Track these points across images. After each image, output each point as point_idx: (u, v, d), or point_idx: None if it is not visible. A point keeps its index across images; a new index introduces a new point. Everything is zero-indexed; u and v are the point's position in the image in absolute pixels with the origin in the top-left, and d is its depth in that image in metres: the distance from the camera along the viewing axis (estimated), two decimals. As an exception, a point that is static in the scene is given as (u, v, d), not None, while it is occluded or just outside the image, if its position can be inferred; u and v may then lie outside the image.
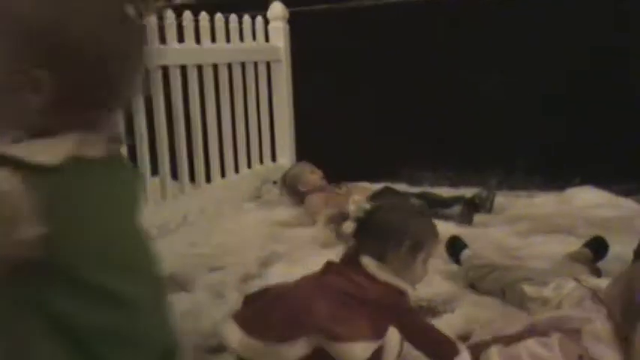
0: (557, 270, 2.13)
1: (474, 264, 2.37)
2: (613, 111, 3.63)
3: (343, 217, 1.61)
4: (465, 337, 1.83)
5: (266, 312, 1.52)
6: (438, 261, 2.59)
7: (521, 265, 2.37)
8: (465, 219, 3.14)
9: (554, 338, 1.62)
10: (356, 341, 1.45)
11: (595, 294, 1.77)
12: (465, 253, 2.46)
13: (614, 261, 2.38)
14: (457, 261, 2.48)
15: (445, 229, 2.93)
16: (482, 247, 2.64)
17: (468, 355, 1.58)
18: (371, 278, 1.57)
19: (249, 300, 1.63)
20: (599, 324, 1.64)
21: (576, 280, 1.89)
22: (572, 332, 1.64)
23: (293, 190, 3.59)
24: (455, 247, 2.52)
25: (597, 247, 2.43)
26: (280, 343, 1.45)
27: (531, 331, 1.68)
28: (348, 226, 1.61)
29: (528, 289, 1.97)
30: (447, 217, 3.12)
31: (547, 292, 1.89)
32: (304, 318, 1.47)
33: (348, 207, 1.76)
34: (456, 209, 3.18)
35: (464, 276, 2.38)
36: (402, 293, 1.59)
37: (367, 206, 1.63)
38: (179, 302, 2.26)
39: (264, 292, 1.62)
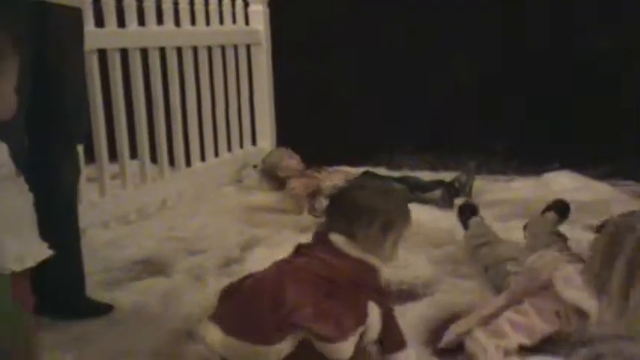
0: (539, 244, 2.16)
1: (474, 232, 2.39)
2: (589, 96, 3.66)
3: (316, 193, 1.58)
4: (445, 321, 1.86)
5: (247, 310, 1.47)
6: (420, 245, 2.62)
7: (511, 242, 2.38)
8: (446, 203, 3.16)
9: (527, 304, 1.70)
10: (345, 340, 1.43)
11: (573, 257, 1.82)
12: (474, 220, 2.48)
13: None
14: (465, 226, 2.50)
15: (425, 212, 2.98)
16: (462, 231, 2.66)
17: (414, 354, 1.63)
18: (341, 255, 1.54)
19: (226, 296, 1.55)
20: (570, 268, 1.74)
21: (558, 252, 1.93)
22: (543, 291, 1.72)
23: (272, 175, 3.59)
24: (465, 212, 2.54)
25: (561, 210, 2.53)
26: (268, 345, 1.41)
27: (509, 304, 1.74)
28: (321, 202, 1.59)
29: (511, 267, 2.00)
30: (427, 201, 3.14)
31: (529, 262, 1.92)
32: (291, 317, 1.42)
33: (323, 184, 1.71)
34: (437, 193, 3.20)
35: (465, 243, 2.41)
36: (373, 269, 1.56)
37: (341, 184, 1.60)
38: (158, 286, 2.26)
39: (240, 286, 1.55)
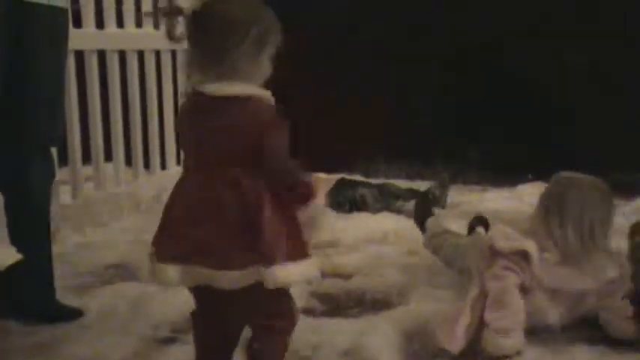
0: None
1: (434, 231, 2.41)
2: (565, 109, 3.71)
3: (175, 12, 1.37)
4: (420, 330, 1.86)
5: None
6: (395, 254, 2.62)
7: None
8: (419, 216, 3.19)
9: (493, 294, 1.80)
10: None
11: None
12: (430, 221, 2.49)
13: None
14: (423, 229, 2.53)
15: (400, 221, 3.00)
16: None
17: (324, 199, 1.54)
18: (220, 105, 1.34)
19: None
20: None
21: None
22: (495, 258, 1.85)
23: None
24: (423, 215, 2.57)
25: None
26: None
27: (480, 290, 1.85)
28: (181, 24, 1.36)
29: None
30: (400, 211, 3.16)
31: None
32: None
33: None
34: (410, 205, 3.22)
35: (425, 243, 2.43)
36: (261, 99, 1.37)
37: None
38: (129, 291, 2.23)
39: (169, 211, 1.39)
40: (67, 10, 1.98)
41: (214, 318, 1.44)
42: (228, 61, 1.33)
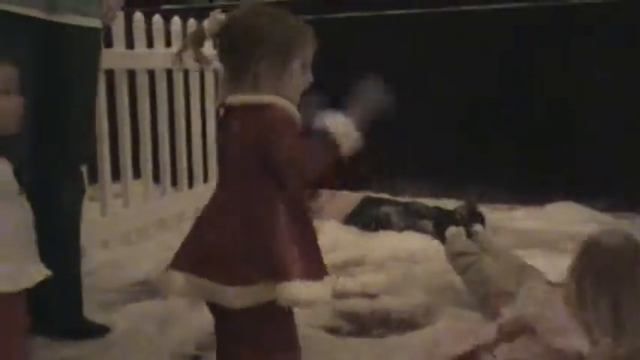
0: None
1: (455, 249, 2.34)
2: (594, 128, 3.66)
3: (202, 37, 1.37)
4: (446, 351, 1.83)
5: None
6: (420, 273, 2.60)
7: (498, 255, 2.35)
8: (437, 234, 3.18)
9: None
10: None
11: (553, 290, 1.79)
12: (450, 231, 2.45)
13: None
14: (442, 240, 2.47)
15: (425, 241, 2.98)
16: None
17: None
18: (238, 115, 1.32)
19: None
20: (552, 311, 1.66)
21: (548, 282, 1.91)
22: (531, 334, 1.65)
23: None
24: (440, 225, 2.52)
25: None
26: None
27: (500, 338, 1.69)
28: (208, 47, 1.38)
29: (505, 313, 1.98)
30: (425, 230, 3.14)
31: (519, 296, 1.90)
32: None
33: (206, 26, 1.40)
34: (430, 224, 3.22)
35: (450, 261, 2.36)
36: (276, 107, 1.31)
37: (221, 16, 1.35)
38: (155, 309, 2.24)
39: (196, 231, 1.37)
40: (100, 30, 2.01)
41: (219, 340, 1.39)
42: (252, 72, 1.32)
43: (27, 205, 1.43)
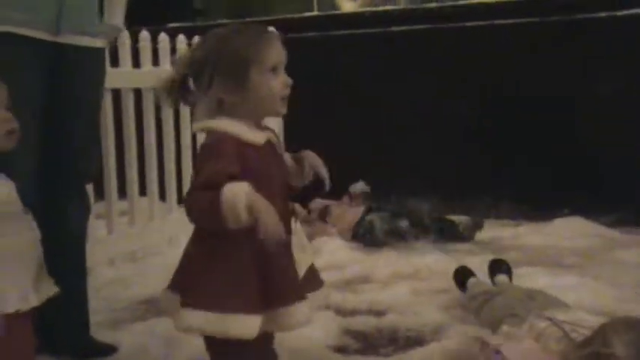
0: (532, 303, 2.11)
1: (472, 292, 2.34)
2: (601, 143, 3.66)
3: (173, 84, 1.38)
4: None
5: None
6: (429, 290, 2.59)
7: (511, 289, 2.34)
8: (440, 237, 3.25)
9: None
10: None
11: (565, 332, 1.76)
12: (471, 282, 2.44)
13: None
14: (463, 289, 2.46)
15: (435, 257, 2.98)
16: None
17: None
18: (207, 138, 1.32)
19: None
20: None
21: (548, 318, 1.89)
22: None
23: None
24: (461, 276, 2.50)
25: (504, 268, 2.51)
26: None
27: None
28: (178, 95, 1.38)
29: (505, 329, 1.96)
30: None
31: (521, 332, 1.89)
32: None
33: None
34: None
35: (467, 306, 2.35)
36: (216, 138, 1.29)
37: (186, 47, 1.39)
38: (162, 327, 2.23)
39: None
40: (104, 49, 2.03)
41: None
42: (214, 95, 1.32)
43: (33, 225, 1.43)
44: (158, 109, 3.28)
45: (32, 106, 1.77)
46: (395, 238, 3.25)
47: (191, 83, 1.36)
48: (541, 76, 3.77)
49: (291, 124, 4.17)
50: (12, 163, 1.40)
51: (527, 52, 3.77)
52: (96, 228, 2.87)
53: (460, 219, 3.39)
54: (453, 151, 3.96)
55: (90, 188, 2.76)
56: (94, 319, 2.13)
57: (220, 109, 1.32)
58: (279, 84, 1.34)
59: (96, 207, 2.88)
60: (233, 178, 1.23)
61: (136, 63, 3.14)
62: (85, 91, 1.95)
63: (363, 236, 3.31)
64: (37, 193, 1.79)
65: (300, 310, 1.31)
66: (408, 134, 4.03)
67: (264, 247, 1.22)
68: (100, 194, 2.95)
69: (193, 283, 1.29)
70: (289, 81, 1.37)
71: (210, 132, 1.32)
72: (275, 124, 4.12)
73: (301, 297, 1.32)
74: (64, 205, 1.97)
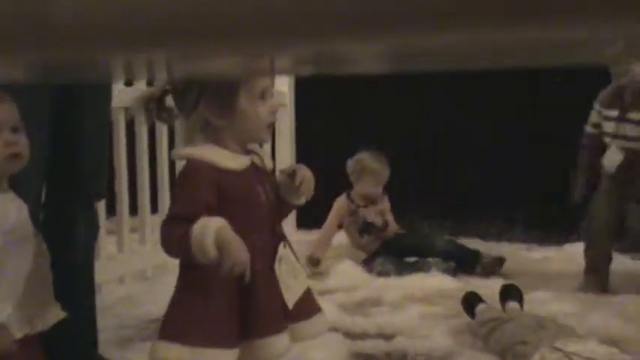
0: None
1: (482, 318, 2.32)
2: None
3: (149, 100, 1.39)
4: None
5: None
6: (440, 315, 2.57)
7: (522, 316, 2.32)
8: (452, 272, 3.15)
9: None
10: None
11: None
12: (480, 307, 2.42)
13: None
14: (472, 315, 2.44)
15: (446, 281, 2.97)
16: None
17: None
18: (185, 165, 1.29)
19: None
20: None
21: (559, 349, 1.86)
22: None
23: None
24: (470, 301, 2.48)
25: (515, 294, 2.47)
26: None
27: None
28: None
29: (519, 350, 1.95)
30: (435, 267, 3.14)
31: None
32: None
33: None
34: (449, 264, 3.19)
35: (476, 332, 2.34)
36: (194, 167, 1.27)
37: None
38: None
39: None
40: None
41: None
42: (198, 120, 1.29)
43: (44, 247, 1.42)
44: (172, 127, 3.30)
45: (39, 123, 1.78)
46: (408, 271, 3.18)
47: (170, 100, 1.34)
48: (552, 96, 3.77)
49: (305, 146, 4.20)
50: (21, 182, 1.40)
51: (541, 69, 3.77)
52: (107, 245, 2.88)
53: (483, 256, 3.26)
54: (464, 173, 3.96)
55: (102, 205, 2.78)
56: (102, 337, 2.13)
57: (205, 130, 1.29)
58: (267, 110, 1.31)
59: (107, 224, 2.90)
60: (209, 207, 1.21)
61: (150, 81, 3.16)
62: (91, 110, 1.96)
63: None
64: (45, 212, 1.80)
65: (279, 341, 1.29)
66: (418, 155, 4.03)
67: (242, 279, 1.20)
68: (111, 211, 2.97)
69: (171, 314, 1.29)
70: (277, 106, 1.35)
71: (188, 159, 1.30)
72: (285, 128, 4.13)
73: (281, 328, 1.30)
74: (72, 223, 1.97)
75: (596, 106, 2.93)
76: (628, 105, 2.78)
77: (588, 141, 2.98)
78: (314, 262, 3.32)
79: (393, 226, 3.45)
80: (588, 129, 2.99)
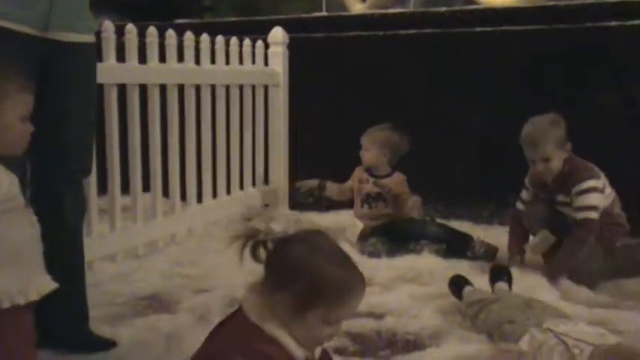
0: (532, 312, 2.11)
1: (469, 299, 2.34)
2: (605, 151, 3.64)
3: (260, 240, 1.37)
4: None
5: None
6: (429, 295, 2.58)
7: (510, 297, 2.34)
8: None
9: None
10: None
11: (566, 346, 1.77)
12: (467, 290, 2.44)
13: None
14: (459, 297, 2.45)
15: (434, 261, 2.99)
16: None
17: None
18: (256, 330, 1.26)
19: None
20: None
21: (549, 329, 1.88)
22: None
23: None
24: (457, 284, 2.49)
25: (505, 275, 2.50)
26: None
27: None
28: (262, 252, 1.35)
29: (504, 345, 1.97)
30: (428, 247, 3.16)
31: (523, 345, 1.89)
32: None
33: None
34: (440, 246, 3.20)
35: (463, 313, 2.36)
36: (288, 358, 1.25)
37: (280, 232, 1.32)
38: (162, 324, 2.24)
39: None
40: (93, 44, 2.03)
41: None
42: (273, 300, 1.26)
43: (34, 218, 1.44)
44: (163, 106, 3.29)
45: None
46: (400, 253, 3.18)
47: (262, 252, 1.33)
48: (555, 86, 3.76)
49: (298, 126, 4.19)
50: (13, 159, 1.41)
51: (544, 59, 3.76)
52: (98, 223, 2.88)
53: (476, 242, 3.25)
54: (455, 156, 3.96)
55: (93, 183, 2.78)
56: (94, 313, 2.14)
57: (273, 313, 1.27)
58: (329, 334, 1.29)
59: (98, 202, 2.90)
60: None
61: (142, 59, 3.15)
62: (76, 86, 1.95)
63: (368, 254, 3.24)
64: (32, 187, 1.80)
65: None
66: (415, 138, 4.03)
67: None
68: (102, 189, 2.96)
69: None
70: (339, 335, 1.36)
71: (268, 340, 1.26)
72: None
73: None
74: (59, 199, 1.97)
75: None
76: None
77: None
78: (322, 186, 3.54)
79: (396, 204, 3.46)
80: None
